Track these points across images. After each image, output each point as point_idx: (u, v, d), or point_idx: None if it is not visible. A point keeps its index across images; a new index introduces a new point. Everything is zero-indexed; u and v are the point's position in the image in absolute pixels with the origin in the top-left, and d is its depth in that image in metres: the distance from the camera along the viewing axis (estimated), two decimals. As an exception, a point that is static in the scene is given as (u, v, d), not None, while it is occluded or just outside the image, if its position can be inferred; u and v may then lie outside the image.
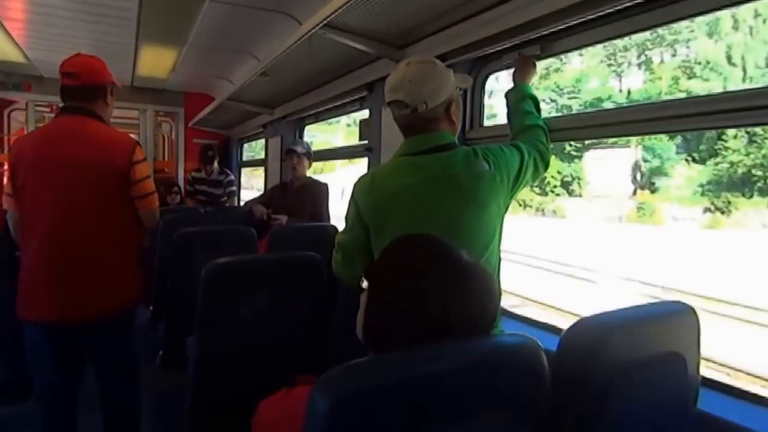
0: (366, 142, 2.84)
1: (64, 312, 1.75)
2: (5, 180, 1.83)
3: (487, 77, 2.09)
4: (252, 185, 12.24)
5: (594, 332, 0.83)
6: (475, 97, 2.10)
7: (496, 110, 2.26)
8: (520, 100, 1.61)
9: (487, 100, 2.16)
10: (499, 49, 1.84)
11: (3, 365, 2.18)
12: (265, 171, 4.81)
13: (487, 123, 2.14)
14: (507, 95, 1.67)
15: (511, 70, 1.80)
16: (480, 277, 0.85)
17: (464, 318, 0.80)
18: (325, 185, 3.33)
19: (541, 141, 1.52)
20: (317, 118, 3.85)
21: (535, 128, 1.55)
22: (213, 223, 3.36)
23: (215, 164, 4.94)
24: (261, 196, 3.70)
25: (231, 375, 1.54)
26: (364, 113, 3.05)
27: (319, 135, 19.05)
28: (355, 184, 1.44)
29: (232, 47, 3.88)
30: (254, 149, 6.38)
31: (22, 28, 3.72)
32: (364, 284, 0.90)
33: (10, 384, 2.09)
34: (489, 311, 0.84)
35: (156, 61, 4.45)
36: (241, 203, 5.67)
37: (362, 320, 0.88)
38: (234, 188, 5.23)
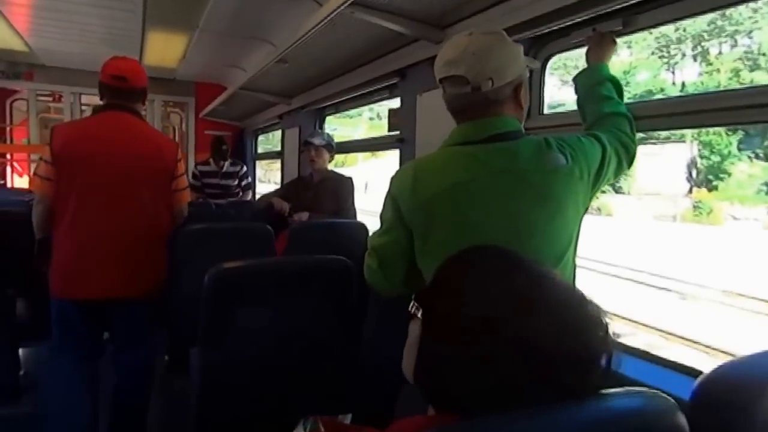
0: (397, 132, 2.75)
1: (114, 290, 2.03)
2: (31, 167, 1.97)
3: (549, 58, 1.91)
4: (269, 179, 12.24)
5: (739, 385, 0.65)
6: (533, 81, 1.89)
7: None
8: (596, 83, 1.42)
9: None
10: (566, 25, 1.66)
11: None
12: (282, 164, 4.73)
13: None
14: (577, 79, 1.48)
15: (572, 52, 1.65)
16: (578, 302, 0.68)
17: (562, 362, 0.63)
18: (349, 179, 3.22)
19: (625, 132, 1.34)
20: (338, 108, 3.75)
21: (617, 116, 1.36)
22: (225, 219, 3.28)
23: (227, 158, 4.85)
24: (277, 191, 3.63)
25: (238, 397, 1.47)
26: (392, 103, 2.96)
27: (339, 128, 19.01)
28: (393, 179, 1.28)
29: (246, 33, 3.82)
30: (272, 141, 6.34)
31: (22, 15, 3.71)
32: (417, 311, 0.75)
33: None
34: (594, 349, 0.65)
35: (165, 49, 4.42)
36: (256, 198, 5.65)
37: (412, 359, 0.74)
38: (250, 180, 5.13)
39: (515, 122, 1.22)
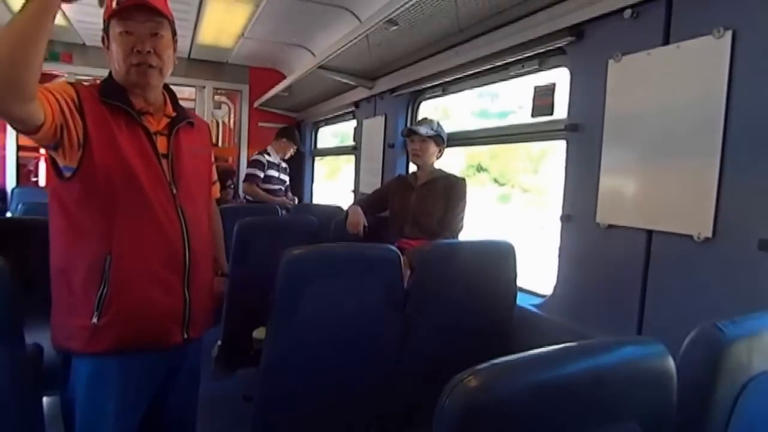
0: (557, 117, 2.03)
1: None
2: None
3: None
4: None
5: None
6: None
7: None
8: None
9: None
10: None
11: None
12: (356, 162, 4.05)
13: None
14: None
15: None
16: None
17: None
18: (463, 181, 2.56)
19: None
20: (444, 90, 3.00)
21: None
22: (314, 235, 2.56)
23: None
24: (369, 196, 2.92)
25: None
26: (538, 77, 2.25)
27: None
28: None
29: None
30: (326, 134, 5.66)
31: None
32: None
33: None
34: None
35: (224, 21, 3.86)
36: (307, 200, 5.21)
37: None
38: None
39: None
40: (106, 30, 1.37)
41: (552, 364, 0.68)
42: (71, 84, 1.31)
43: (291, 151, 4.35)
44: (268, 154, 4.27)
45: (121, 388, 1.33)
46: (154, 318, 1.34)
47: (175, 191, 1.37)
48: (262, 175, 4.19)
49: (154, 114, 1.41)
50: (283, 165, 4.38)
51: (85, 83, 1.43)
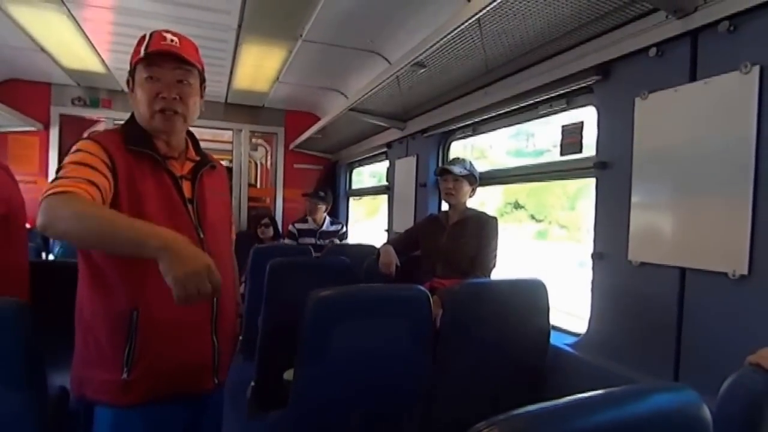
0: (584, 155, 2.04)
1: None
2: None
3: None
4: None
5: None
6: None
7: None
8: None
9: None
10: None
11: None
12: (390, 202, 4.09)
13: None
14: None
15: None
16: None
17: None
18: (494, 219, 2.56)
19: None
20: (475, 129, 3.03)
21: None
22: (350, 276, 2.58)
23: (324, 212, 4.46)
24: (399, 236, 2.93)
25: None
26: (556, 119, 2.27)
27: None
28: None
29: (355, 43, 3.28)
30: (361, 175, 5.74)
31: (102, 31, 3.35)
32: None
33: None
34: None
35: (259, 66, 4.02)
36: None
37: None
38: (346, 236, 4.71)
39: None
40: (131, 73, 1.37)
41: (575, 415, 0.65)
42: (97, 143, 1.27)
43: (322, 208, 4.38)
44: (306, 221, 4.41)
45: None
46: (185, 369, 1.32)
47: (202, 236, 1.36)
48: (295, 244, 4.31)
49: (178, 158, 1.41)
50: (329, 229, 4.42)
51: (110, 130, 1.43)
